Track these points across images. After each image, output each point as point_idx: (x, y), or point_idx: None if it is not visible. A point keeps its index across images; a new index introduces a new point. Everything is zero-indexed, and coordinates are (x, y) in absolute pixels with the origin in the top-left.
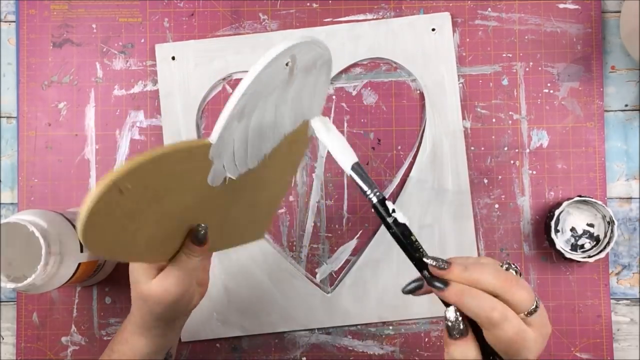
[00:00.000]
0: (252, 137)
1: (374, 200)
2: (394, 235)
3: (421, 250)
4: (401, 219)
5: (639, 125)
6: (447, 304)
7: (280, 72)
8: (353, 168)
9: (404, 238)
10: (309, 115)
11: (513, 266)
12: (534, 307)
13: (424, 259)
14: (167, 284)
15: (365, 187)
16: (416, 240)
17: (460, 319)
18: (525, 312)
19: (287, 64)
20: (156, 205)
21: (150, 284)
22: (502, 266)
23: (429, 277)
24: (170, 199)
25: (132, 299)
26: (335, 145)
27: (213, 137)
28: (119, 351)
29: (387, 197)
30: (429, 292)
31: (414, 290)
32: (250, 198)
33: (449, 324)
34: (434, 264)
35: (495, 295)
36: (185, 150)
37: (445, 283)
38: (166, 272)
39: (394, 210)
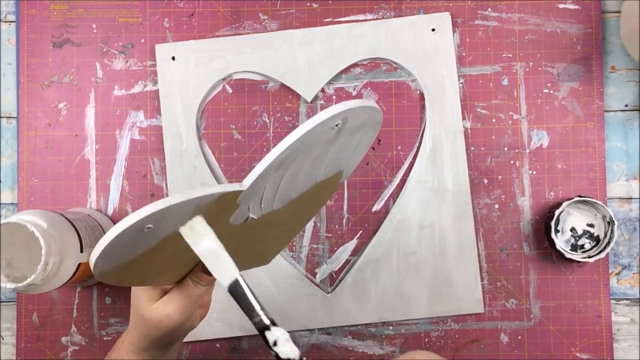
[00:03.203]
0: (283, 183)
1: (257, 327)
2: None
3: None
4: (287, 353)
5: (639, 125)
6: None
7: (328, 132)
8: (231, 287)
9: None
10: (345, 166)
11: None
12: None
13: None
14: (169, 310)
15: (245, 310)
16: None
17: None
18: None
19: (336, 125)
20: (173, 240)
21: (152, 307)
22: None
23: None
24: None
25: (132, 318)
26: (208, 257)
27: (245, 184)
28: None
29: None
30: None
31: None
32: (266, 233)
33: None
34: None
35: None
36: (215, 196)
37: None
38: (170, 297)
39: (275, 344)
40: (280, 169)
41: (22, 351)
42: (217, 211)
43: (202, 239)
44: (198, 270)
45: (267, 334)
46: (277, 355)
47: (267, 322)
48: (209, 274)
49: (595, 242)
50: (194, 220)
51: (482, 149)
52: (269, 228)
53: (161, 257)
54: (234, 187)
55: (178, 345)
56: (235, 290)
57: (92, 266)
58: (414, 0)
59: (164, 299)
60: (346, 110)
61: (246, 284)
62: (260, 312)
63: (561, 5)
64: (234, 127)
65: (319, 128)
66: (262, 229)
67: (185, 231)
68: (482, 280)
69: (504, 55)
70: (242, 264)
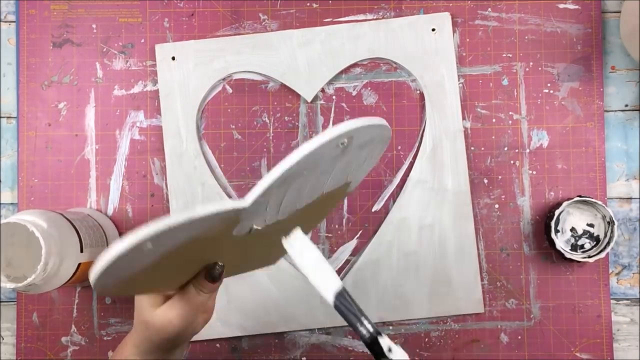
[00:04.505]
0: (287, 197)
1: (367, 336)
2: None
3: None
4: (402, 355)
5: (639, 125)
6: None
7: (334, 150)
8: (337, 298)
9: None
10: (353, 177)
11: None
12: None
13: None
14: (171, 316)
15: (353, 320)
16: None
17: None
18: None
19: (342, 144)
20: (175, 255)
21: (154, 312)
22: None
23: None
24: (190, 248)
25: (135, 322)
26: (312, 270)
27: (247, 201)
28: None
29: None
30: None
31: None
32: (272, 238)
33: None
34: None
35: None
36: (215, 216)
37: None
38: (172, 304)
39: (389, 350)
40: (283, 185)
41: (22, 351)
42: (217, 226)
43: (306, 250)
44: (201, 278)
45: (381, 340)
46: None
47: (376, 329)
48: (212, 282)
49: (595, 242)
50: (295, 232)
51: (482, 149)
52: (275, 234)
53: (161, 270)
54: (235, 204)
55: (183, 349)
56: (341, 302)
57: (92, 284)
58: (414, 0)
59: (166, 305)
60: (351, 130)
61: (348, 295)
62: (368, 321)
63: (561, 5)
64: (234, 127)
65: (323, 148)
66: (267, 236)
67: (287, 243)
68: (482, 280)
69: (504, 55)
70: (248, 267)
